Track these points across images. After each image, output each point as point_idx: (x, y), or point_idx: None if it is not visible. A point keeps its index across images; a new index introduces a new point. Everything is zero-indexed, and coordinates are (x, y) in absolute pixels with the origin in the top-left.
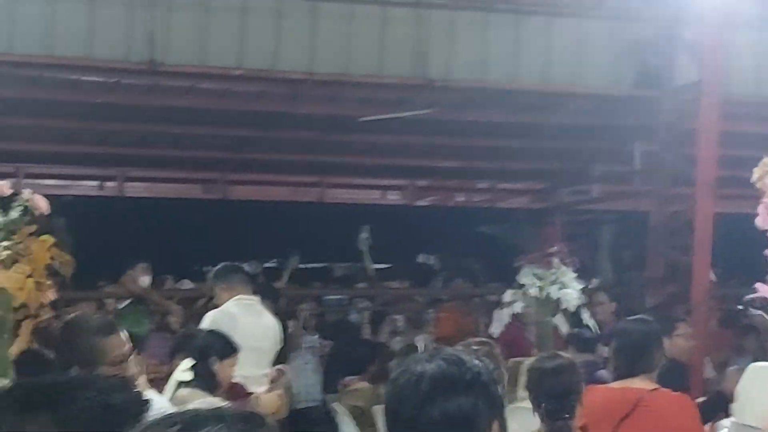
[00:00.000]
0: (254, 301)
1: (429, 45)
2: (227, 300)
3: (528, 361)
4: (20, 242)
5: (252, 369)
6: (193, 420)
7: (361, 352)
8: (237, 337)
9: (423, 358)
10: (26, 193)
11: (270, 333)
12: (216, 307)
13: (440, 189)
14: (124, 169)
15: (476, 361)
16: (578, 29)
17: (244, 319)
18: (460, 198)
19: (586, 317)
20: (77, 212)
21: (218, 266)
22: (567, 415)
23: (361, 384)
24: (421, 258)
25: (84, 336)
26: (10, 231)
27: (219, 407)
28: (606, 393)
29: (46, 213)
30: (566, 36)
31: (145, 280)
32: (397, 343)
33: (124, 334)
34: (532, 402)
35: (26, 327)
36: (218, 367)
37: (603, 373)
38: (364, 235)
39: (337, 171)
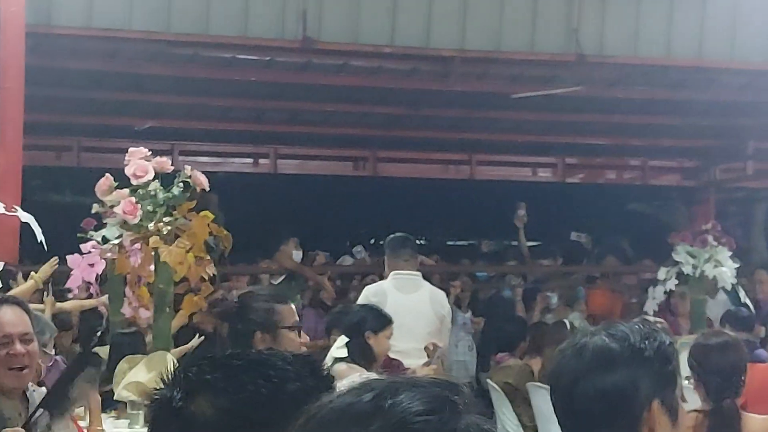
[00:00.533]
0: (413, 275)
1: (580, 21)
2: (387, 274)
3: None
4: (181, 218)
5: (407, 343)
6: (387, 387)
7: (512, 328)
8: (388, 312)
9: (590, 332)
10: (187, 170)
11: (424, 308)
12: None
13: (591, 166)
14: (276, 147)
15: (643, 337)
16: (733, 3)
17: (396, 294)
18: (611, 175)
19: (743, 295)
20: (231, 189)
21: (388, 238)
22: (734, 394)
23: (513, 361)
24: (573, 236)
25: (261, 301)
26: (171, 207)
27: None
28: (766, 371)
29: (206, 189)
30: (721, 10)
31: (298, 255)
32: (549, 321)
33: (293, 306)
34: (696, 380)
35: (187, 301)
36: (373, 340)
37: (762, 352)
38: (520, 212)
39: (488, 148)
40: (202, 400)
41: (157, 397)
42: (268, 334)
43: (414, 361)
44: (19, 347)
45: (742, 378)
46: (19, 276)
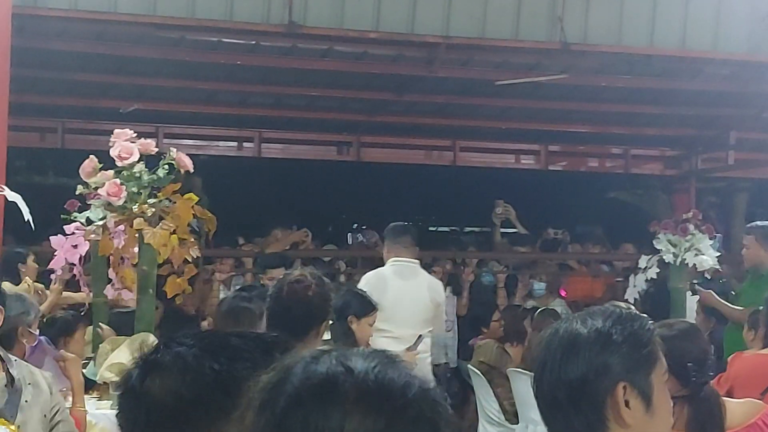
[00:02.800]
0: (412, 263)
1: (565, 9)
2: (386, 260)
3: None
4: (165, 200)
5: (404, 329)
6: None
7: (482, 312)
8: (387, 299)
9: (566, 318)
10: (172, 152)
11: (422, 295)
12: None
13: (573, 154)
14: (260, 131)
15: (615, 322)
16: None
17: (396, 281)
18: (593, 163)
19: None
20: (215, 172)
21: (389, 226)
22: (709, 378)
23: (485, 341)
24: (550, 233)
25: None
26: (155, 189)
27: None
28: (754, 360)
29: (190, 171)
30: (705, 0)
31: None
32: (529, 306)
33: None
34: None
35: (170, 283)
36: (356, 325)
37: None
38: (498, 209)
39: (471, 135)
40: (152, 380)
41: (122, 376)
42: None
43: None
44: None
45: (710, 362)
46: (29, 259)
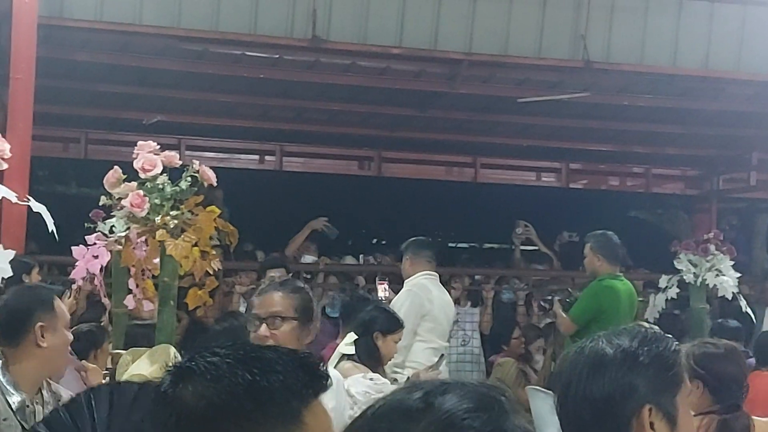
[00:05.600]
0: (437, 277)
1: (588, 27)
2: (412, 273)
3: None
4: (187, 212)
5: (442, 341)
6: (437, 386)
7: (501, 329)
8: (435, 308)
9: (592, 337)
10: (195, 164)
11: (451, 309)
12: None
13: (594, 172)
14: (282, 144)
15: (642, 343)
16: (741, 14)
17: (437, 293)
18: (614, 182)
19: (743, 305)
20: (236, 185)
21: (410, 240)
22: (743, 398)
23: (505, 359)
24: (565, 236)
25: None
26: (178, 201)
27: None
28: None
29: (213, 184)
30: (728, 20)
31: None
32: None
33: None
34: (701, 387)
35: (191, 295)
36: (381, 341)
37: (751, 361)
38: (518, 230)
39: (492, 152)
40: (185, 387)
41: (155, 383)
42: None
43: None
44: None
45: (746, 383)
46: (34, 271)
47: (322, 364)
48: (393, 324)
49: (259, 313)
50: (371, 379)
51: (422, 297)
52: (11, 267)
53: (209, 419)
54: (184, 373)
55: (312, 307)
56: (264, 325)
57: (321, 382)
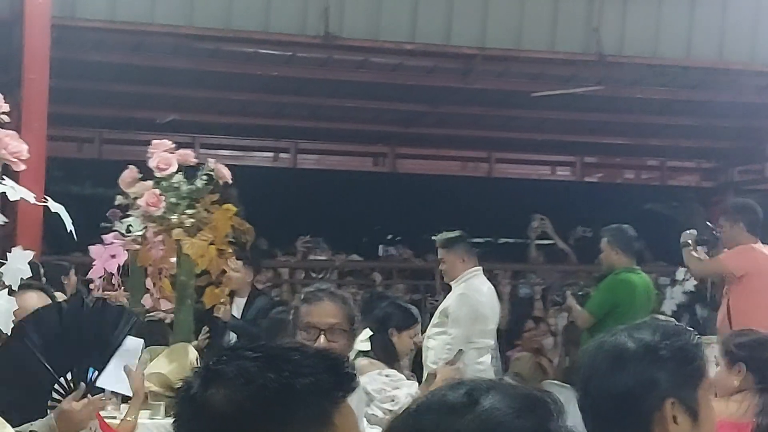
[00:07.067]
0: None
1: (601, 20)
2: (461, 270)
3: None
4: (203, 210)
5: (490, 339)
6: (481, 384)
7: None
8: (485, 308)
9: (612, 331)
10: (210, 163)
11: (497, 305)
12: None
13: (609, 166)
14: (296, 142)
15: (663, 336)
16: (754, 5)
17: (488, 291)
18: (629, 175)
19: None
20: (251, 183)
21: (446, 235)
22: None
23: (522, 354)
24: (579, 231)
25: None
26: (193, 199)
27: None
28: None
29: (229, 182)
30: (741, 11)
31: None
32: (561, 319)
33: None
34: (743, 371)
35: (208, 293)
36: (396, 338)
37: None
38: (534, 223)
39: (506, 146)
40: (215, 390)
41: (181, 384)
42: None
43: (487, 359)
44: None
45: None
46: (71, 272)
47: (349, 365)
48: (408, 319)
49: (316, 323)
50: (387, 376)
51: (475, 296)
52: (48, 270)
53: (240, 422)
54: (213, 376)
55: (355, 316)
56: (323, 336)
57: (349, 383)
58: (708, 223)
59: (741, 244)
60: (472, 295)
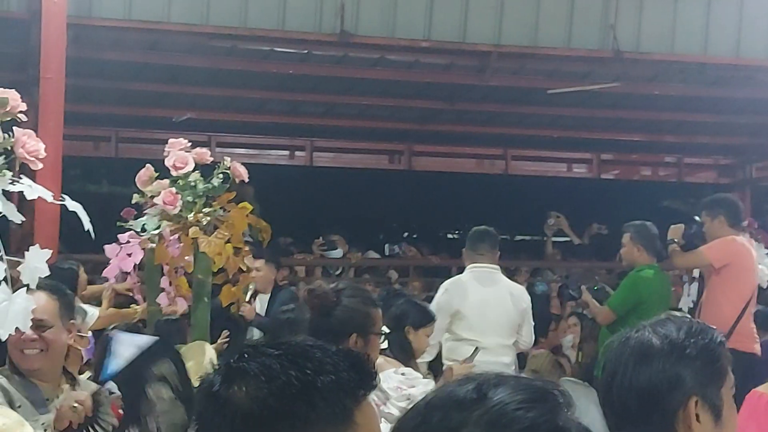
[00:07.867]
0: (491, 269)
1: (618, 16)
2: (468, 266)
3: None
4: (220, 209)
5: (492, 339)
6: (490, 378)
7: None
8: (469, 306)
9: (639, 326)
10: (227, 161)
11: (504, 302)
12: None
13: (626, 163)
14: (312, 140)
15: (689, 334)
16: None
17: (477, 286)
18: (646, 172)
19: None
20: (267, 181)
21: (470, 231)
22: None
23: (539, 351)
24: (594, 228)
25: (364, 304)
26: (210, 198)
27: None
28: None
29: (245, 180)
30: (758, 7)
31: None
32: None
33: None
34: None
35: (225, 292)
36: (413, 336)
37: None
38: (550, 221)
39: (523, 143)
40: (237, 387)
41: (202, 382)
42: (362, 338)
43: (498, 358)
44: (28, 332)
45: None
46: (81, 270)
47: (371, 363)
48: (424, 317)
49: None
50: (403, 374)
51: (450, 295)
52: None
53: (263, 420)
54: (236, 373)
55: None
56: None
57: (371, 381)
58: (696, 218)
59: (721, 237)
60: (447, 287)
